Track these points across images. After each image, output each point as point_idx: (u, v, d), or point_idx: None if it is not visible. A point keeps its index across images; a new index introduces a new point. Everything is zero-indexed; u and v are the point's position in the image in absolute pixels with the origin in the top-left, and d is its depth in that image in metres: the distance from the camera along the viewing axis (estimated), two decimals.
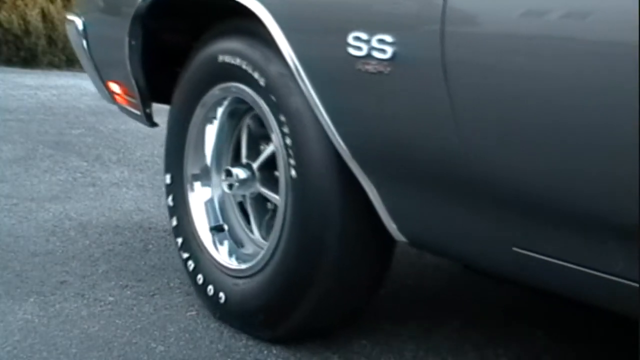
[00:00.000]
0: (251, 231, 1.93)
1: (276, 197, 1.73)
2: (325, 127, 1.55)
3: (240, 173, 1.85)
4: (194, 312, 1.91)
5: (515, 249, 1.33)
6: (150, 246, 2.35)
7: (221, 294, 1.84)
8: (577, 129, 1.17)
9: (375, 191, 1.54)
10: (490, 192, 1.32)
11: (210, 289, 1.87)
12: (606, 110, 1.12)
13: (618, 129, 1.11)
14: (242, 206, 1.96)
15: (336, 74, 1.51)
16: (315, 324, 1.75)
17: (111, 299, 1.98)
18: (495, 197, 1.32)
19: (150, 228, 2.52)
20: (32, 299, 1.95)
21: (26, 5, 7.35)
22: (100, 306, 1.93)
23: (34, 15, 7.30)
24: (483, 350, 1.78)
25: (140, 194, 2.95)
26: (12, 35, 7.32)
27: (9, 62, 7.27)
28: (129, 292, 2.02)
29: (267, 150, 1.79)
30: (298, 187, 1.62)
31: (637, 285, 1.16)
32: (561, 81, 1.15)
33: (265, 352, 1.73)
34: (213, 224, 1.94)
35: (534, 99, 1.20)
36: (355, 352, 1.75)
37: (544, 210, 1.26)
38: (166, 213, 2.64)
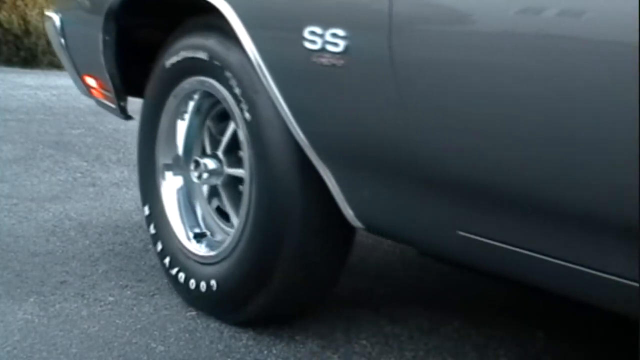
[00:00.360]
0: (221, 220, 1.99)
1: (242, 171, 1.79)
2: (285, 118, 1.62)
3: (208, 163, 1.91)
4: (194, 312, 1.91)
5: (459, 232, 1.40)
6: (150, 246, 2.35)
7: (192, 281, 1.89)
8: (509, 118, 1.25)
9: (332, 179, 1.61)
10: (434, 178, 1.40)
11: (182, 275, 1.93)
12: (537, 99, 1.19)
13: (548, 116, 1.18)
14: (212, 195, 2.01)
15: (294, 67, 1.59)
16: (279, 308, 1.81)
17: (111, 299, 1.98)
18: (438, 183, 1.40)
19: None
20: (32, 299, 1.95)
21: (26, 5, 7.36)
22: (100, 306, 1.93)
23: (34, 15, 7.30)
24: (483, 350, 1.78)
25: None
26: (12, 35, 7.33)
27: (9, 62, 7.28)
28: (129, 292, 2.02)
29: (229, 132, 1.87)
30: (257, 182, 1.70)
31: (578, 267, 1.22)
32: (495, 73, 1.25)
33: (265, 352, 1.73)
34: (195, 231, 1.98)
35: (472, 89, 1.28)
36: (355, 352, 1.75)
37: (484, 195, 1.34)
38: None
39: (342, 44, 1.45)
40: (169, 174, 2.03)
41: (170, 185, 2.04)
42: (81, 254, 2.26)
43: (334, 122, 1.56)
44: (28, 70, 7.04)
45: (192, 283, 1.89)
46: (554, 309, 1.99)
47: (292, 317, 1.87)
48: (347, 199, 1.61)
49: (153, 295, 2.01)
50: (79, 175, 3.18)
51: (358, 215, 1.61)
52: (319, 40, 1.50)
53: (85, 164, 3.39)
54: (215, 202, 2.01)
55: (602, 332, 1.91)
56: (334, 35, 1.46)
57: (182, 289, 1.94)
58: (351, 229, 1.69)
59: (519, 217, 1.30)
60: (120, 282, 2.08)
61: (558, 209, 1.24)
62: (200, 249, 1.92)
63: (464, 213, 1.39)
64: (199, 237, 1.97)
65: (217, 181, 1.92)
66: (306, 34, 1.51)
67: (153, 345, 1.74)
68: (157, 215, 2.05)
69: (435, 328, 1.88)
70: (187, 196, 2.03)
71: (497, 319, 1.94)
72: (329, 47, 1.48)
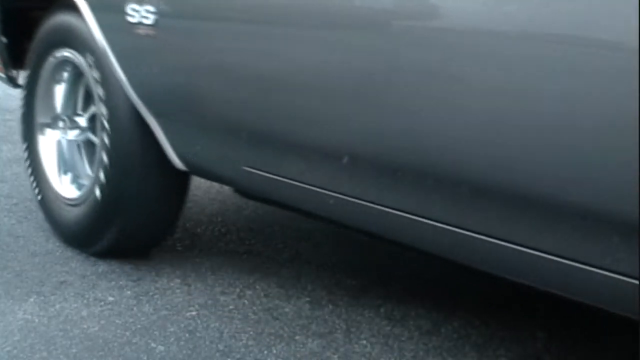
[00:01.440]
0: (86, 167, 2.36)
1: (96, 139, 2.18)
2: (121, 81, 2.00)
3: (80, 121, 2.32)
4: (194, 312, 1.91)
5: (244, 167, 1.79)
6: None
7: (60, 219, 2.29)
8: (264, 75, 1.67)
9: (158, 129, 2.00)
10: (222, 125, 1.83)
11: (53, 214, 2.33)
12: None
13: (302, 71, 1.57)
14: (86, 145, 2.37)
15: (122, 37, 2.01)
16: (127, 243, 2.20)
17: (111, 299, 1.98)
18: (225, 129, 1.83)
19: None
20: (32, 299, 1.95)
21: None
22: (100, 306, 1.93)
23: None
24: (483, 350, 1.78)
25: None
26: None
27: None
28: (129, 292, 2.02)
29: (93, 109, 2.23)
30: (108, 131, 2.06)
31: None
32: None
33: (265, 352, 1.73)
34: (66, 177, 2.35)
35: (236, 50, 1.73)
36: (355, 352, 1.75)
37: (260, 138, 1.73)
38: None
39: (152, 17, 1.88)
40: (48, 130, 2.38)
41: (48, 140, 2.38)
42: (81, 254, 2.26)
43: (154, 82, 1.97)
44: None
45: (61, 221, 2.28)
46: (554, 309, 1.99)
47: (140, 252, 2.23)
48: (171, 145, 2.00)
49: (153, 295, 2.01)
50: None
51: (180, 159, 2.00)
52: (137, 15, 1.92)
53: None
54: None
55: (602, 332, 1.91)
56: (147, 11, 1.89)
57: (54, 225, 2.34)
58: (184, 174, 2.09)
59: (288, 153, 1.68)
60: (120, 282, 2.08)
61: (311, 142, 1.61)
62: (68, 193, 2.29)
63: (245, 152, 1.79)
64: (69, 183, 2.33)
65: (81, 137, 2.32)
66: (128, 10, 1.94)
67: (153, 345, 1.74)
68: (35, 166, 2.40)
69: (436, 328, 1.88)
70: (63, 149, 2.37)
71: (497, 319, 1.94)
72: (144, 21, 1.90)
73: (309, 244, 2.40)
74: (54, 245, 2.32)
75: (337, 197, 1.58)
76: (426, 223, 1.43)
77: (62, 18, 2.23)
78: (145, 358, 1.69)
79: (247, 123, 1.76)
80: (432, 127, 1.36)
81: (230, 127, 1.80)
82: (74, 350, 1.71)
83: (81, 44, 2.13)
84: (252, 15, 1.70)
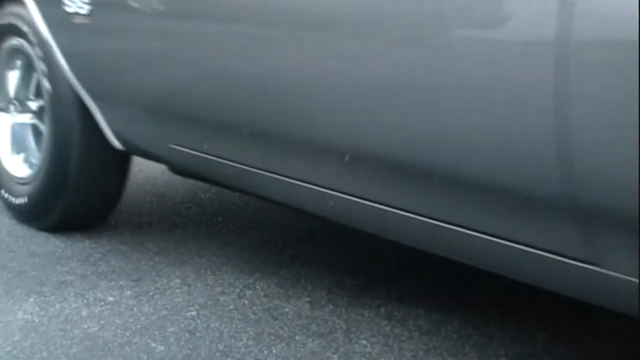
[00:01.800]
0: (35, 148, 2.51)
1: (43, 127, 2.38)
2: (62, 67, 2.20)
3: (31, 105, 2.48)
4: (194, 312, 1.91)
5: (170, 145, 2.02)
6: (150, 246, 2.35)
7: (12, 197, 2.45)
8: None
9: (98, 112, 2.20)
10: (147, 107, 2.08)
11: (5, 194, 2.49)
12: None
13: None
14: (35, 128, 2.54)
15: (62, 27, 2.20)
16: (74, 218, 2.40)
17: (111, 299, 1.98)
18: (153, 108, 2.07)
19: (150, 228, 2.52)
20: (32, 299, 1.95)
21: None
22: (100, 306, 1.93)
23: None
24: (483, 350, 1.78)
25: (140, 193, 2.95)
26: None
27: None
28: (129, 292, 2.02)
29: (34, 81, 2.45)
30: (53, 117, 2.28)
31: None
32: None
33: (265, 352, 1.73)
34: (18, 158, 2.51)
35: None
36: (355, 352, 1.75)
37: (187, 117, 1.97)
38: (166, 212, 2.65)
39: (87, 7, 2.07)
40: (1, 114, 2.54)
41: (2, 122, 2.53)
42: (81, 254, 2.26)
43: (90, 67, 2.18)
44: None
45: (13, 199, 2.44)
46: (554, 309, 1.99)
47: (87, 227, 2.41)
48: (108, 126, 2.20)
49: (153, 295, 2.01)
50: None
51: (117, 139, 2.21)
52: (73, 5, 2.11)
53: None
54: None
55: (602, 332, 1.91)
56: (82, 1, 2.08)
57: (6, 204, 2.50)
58: (124, 154, 2.30)
59: (206, 130, 1.92)
60: (120, 282, 2.08)
61: (219, 119, 1.86)
62: (19, 172, 2.46)
63: (170, 131, 2.03)
64: (21, 162, 2.50)
65: (32, 120, 2.49)
66: (66, 0, 2.13)
67: (153, 345, 1.74)
68: None
69: (436, 328, 1.88)
70: (16, 131, 2.52)
71: (497, 319, 1.94)
72: (80, 10, 2.09)
73: (309, 244, 2.40)
74: (54, 245, 2.32)
75: (241, 168, 1.84)
76: (331, 194, 1.61)
77: (11, 9, 2.40)
78: (145, 358, 1.69)
79: (169, 104, 2.01)
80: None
81: (155, 108, 2.06)
82: (74, 350, 1.71)
83: (28, 33, 2.31)
84: (171, 6, 1.93)
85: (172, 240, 2.38)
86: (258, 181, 1.81)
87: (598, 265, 1.18)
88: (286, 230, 2.51)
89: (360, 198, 1.54)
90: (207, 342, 1.77)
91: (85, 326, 1.82)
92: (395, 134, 1.42)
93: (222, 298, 2.00)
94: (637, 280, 1.13)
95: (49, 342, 1.74)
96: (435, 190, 1.40)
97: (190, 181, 2.91)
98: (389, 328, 1.87)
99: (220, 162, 1.87)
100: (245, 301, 1.98)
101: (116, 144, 2.22)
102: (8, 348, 1.71)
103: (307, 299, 2.01)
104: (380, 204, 1.50)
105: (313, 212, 1.76)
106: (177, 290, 2.04)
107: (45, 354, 1.69)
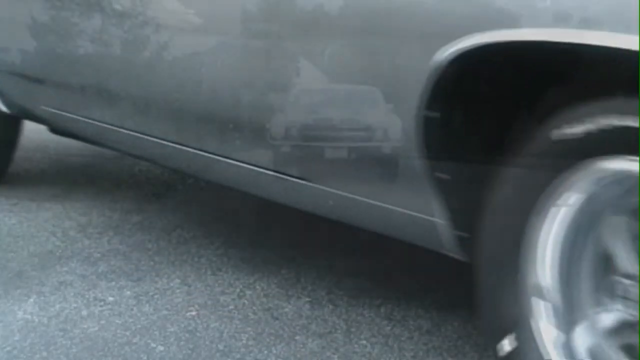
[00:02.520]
0: None
1: None
2: None
3: None
4: (194, 312, 1.91)
5: (42, 107, 2.40)
6: (150, 246, 2.35)
7: None
8: None
9: None
10: (25, 70, 2.46)
11: None
12: None
13: None
14: None
15: None
16: None
17: (111, 299, 1.98)
18: (27, 74, 2.45)
19: (150, 228, 2.51)
20: (32, 299, 1.95)
21: None
22: (100, 306, 1.93)
23: None
24: (483, 350, 1.78)
25: (140, 193, 2.94)
26: None
27: None
28: (129, 292, 2.02)
29: None
30: None
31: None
32: None
33: (265, 352, 1.73)
34: None
35: None
36: (355, 352, 1.75)
37: (52, 82, 2.36)
38: (166, 212, 2.64)
39: None
40: None
41: None
42: (81, 254, 2.26)
43: None
44: None
45: None
46: None
47: None
48: None
49: (153, 295, 2.01)
50: (78, 175, 3.18)
51: (4, 103, 2.57)
52: None
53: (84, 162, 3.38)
54: None
55: None
56: None
57: None
58: (15, 117, 2.66)
59: (68, 93, 2.32)
60: (120, 282, 2.08)
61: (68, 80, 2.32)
62: None
63: (41, 94, 2.39)
64: None
65: None
66: None
67: (153, 345, 1.74)
68: None
69: (435, 328, 1.88)
70: None
71: None
72: None
73: (309, 244, 2.40)
74: (54, 245, 2.32)
75: (95, 125, 2.24)
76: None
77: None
78: (145, 358, 1.69)
79: (39, 71, 2.38)
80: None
81: (29, 74, 2.44)
82: (74, 350, 1.71)
83: None
84: None
85: (172, 240, 2.38)
86: (108, 135, 2.24)
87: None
88: (286, 231, 2.51)
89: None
90: (207, 342, 1.77)
91: (85, 326, 1.82)
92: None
93: (222, 298, 2.00)
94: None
95: (49, 342, 1.74)
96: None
97: (190, 181, 2.91)
98: (389, 328, 1.87)
99: (80, 120, 2.28)
100: (245, 301, 1.98)
101: (3, 107, 2.58)
102: (8, 348, 1.71)
103: (307, 299, 2.01)
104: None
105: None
106: (177, 290, 2.04)
107: (45, 354, 1.69)
